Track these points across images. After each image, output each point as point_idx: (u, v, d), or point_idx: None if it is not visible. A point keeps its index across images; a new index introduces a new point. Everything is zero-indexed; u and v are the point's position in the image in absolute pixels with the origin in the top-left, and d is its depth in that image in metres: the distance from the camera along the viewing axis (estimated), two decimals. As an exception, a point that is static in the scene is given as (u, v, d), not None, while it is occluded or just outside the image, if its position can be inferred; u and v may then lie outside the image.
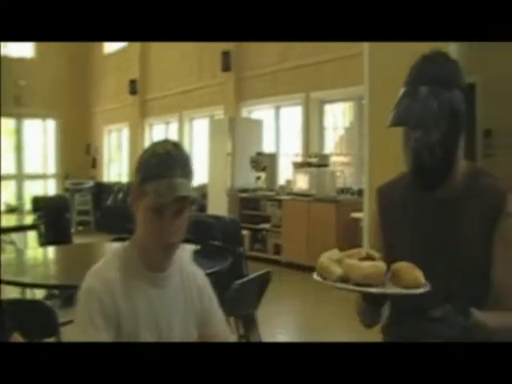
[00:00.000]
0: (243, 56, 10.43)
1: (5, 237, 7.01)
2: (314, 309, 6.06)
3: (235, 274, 3.65)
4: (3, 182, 12.95)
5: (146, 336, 1.64)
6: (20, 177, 15.34)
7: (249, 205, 9.30)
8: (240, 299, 3.14)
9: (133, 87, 13.83)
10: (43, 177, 15.78)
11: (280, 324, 5.48)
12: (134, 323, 1.62)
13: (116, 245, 4.15)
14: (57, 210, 6.98)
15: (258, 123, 10.04)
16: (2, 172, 12.22)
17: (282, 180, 9.51)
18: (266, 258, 8.61)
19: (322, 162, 8.34)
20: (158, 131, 13.75)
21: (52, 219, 6.60)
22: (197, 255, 3.81)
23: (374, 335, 1.94)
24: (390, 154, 6.58)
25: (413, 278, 1.56)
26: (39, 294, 5.01)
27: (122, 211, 10.88)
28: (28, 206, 10.62)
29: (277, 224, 8.66)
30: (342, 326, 4.96)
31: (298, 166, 8.66)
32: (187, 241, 1.76)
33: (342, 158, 9.04)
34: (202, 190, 9.98)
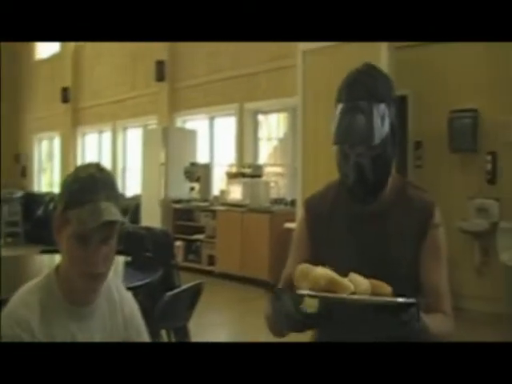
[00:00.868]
0: (177, 66, 10.36)
1: None
2: (247, 319, 6.02)
3: (167, 286, 3.58)
4: None
5: None
6: None
7: (183, 216, 9.21)
8: (171, 311, 3.08)
9: (65, 95, 13.51)
10: (-31, 186, 15.21)
11: (213, 335, 5.41)
12: None
13: (43, 259, 3.99)
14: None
15: (191, 133, 9.97)
16: None
17: (216, 190, 9.47)
18: (200, 269, 8.53)
19: (256, 172, 8.36)
20: (91, 140, 13.47)
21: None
22: (128, 267, 3.73)
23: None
24: (322, 164, 6.69)
25: (387, 289, 1.54)
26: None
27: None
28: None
29: (211, 235, 8.60)
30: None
31: (231, 177, 8.64)
32: (119, 252, 1.66)
33: (275, 169, 9.08)
34: (136, 201, 9.82)
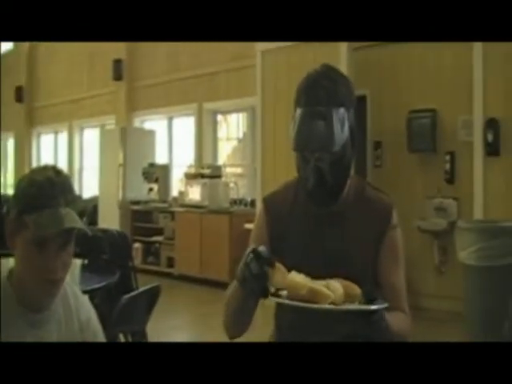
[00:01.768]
0: (135, 65, 10.25)
1: None
2: (207, 322, 5.98)
3: (124, 289, 3.52)
4: None
5: None
6: None
7: (141, 217, 9.11)
8: (128, 314, 3.03)
9: (19, 94, 13.24)
10: None
11: (171, 339, 5.36)
12: None
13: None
14: None
15: (150, 134, 9.87)
16: None
17: (174, 192, 9.39)
18: (159, 271, 8.45)
19: (215, 173, 8.32)
20: (47, 141, 13.23)
21: None
22: (85, 270, 3.66)
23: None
24: (281, 164, 6.70)
25: (357, 290, 1.54)
26: None
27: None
28: None
29: (170, 236, 8.53)
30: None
31: (190, 178, 8.58)
32: (75, 255, 1.62)
33: (235, 169, 9.07)
34: (93, 203, 9.68)
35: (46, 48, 12.58)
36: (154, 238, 8.77)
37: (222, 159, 9.22)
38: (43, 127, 13.12)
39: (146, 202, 9.16)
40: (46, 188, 1.48)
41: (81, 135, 12.20)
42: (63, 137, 12.55)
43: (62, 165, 11.24)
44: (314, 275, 1.58)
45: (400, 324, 1.70)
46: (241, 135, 9.13)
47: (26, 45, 13.10)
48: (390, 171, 6.81)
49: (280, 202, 1.92)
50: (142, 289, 3.24)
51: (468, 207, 6.00)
